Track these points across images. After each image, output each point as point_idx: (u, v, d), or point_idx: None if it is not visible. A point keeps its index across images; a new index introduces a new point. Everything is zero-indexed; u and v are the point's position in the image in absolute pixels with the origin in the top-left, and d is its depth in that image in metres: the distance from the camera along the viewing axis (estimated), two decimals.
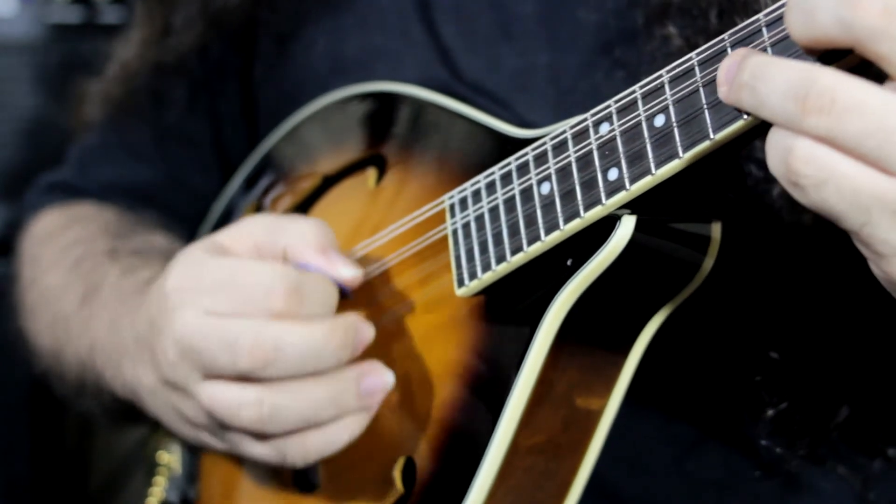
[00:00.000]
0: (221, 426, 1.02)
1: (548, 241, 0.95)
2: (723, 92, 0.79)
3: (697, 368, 1.15)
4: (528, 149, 0.97)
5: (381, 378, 1.02)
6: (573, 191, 0.93)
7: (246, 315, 0.97)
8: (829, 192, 0.73)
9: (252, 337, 0.96)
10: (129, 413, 1.16)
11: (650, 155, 0.87)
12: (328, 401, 0.99)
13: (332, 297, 1.01)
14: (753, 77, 0.75)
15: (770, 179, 1.06)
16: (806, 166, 0.73)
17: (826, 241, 1.05)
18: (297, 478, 1.13)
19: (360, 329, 1.01)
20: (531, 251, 0.96)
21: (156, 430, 1.30)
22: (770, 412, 1.11)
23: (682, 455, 1.17)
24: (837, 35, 0.70)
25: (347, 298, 1.03)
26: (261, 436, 1.01)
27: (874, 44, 0.69)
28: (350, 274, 1.02)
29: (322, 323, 0.98)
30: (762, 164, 1.06)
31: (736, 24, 1.00)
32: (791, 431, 1.12)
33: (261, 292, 0.97)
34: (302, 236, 1.02)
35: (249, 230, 1.04)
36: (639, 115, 0.88)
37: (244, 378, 0.98)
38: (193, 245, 1.05)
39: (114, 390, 1.17)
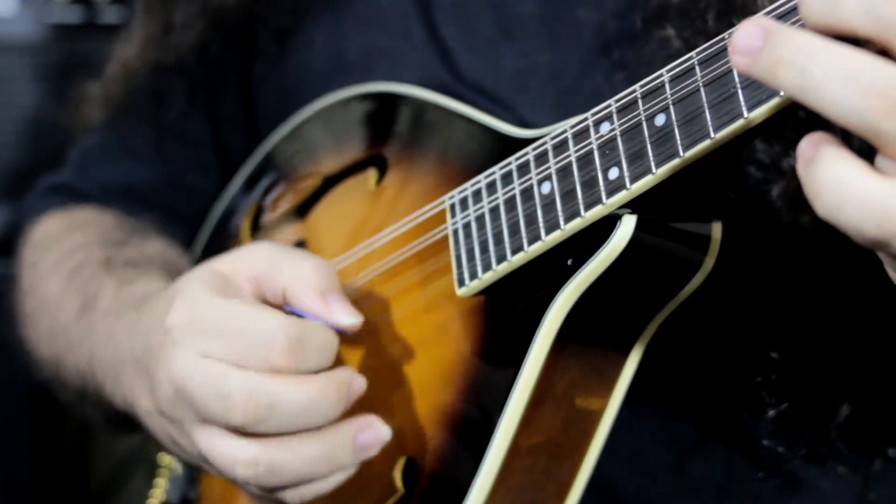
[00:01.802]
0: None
1: (548, 240, 0.95)
2: (740, 62, 0.73)
3: (698, 368, 1.15)
4: (528, 148, 0.97)
5: (376, 432, 1.00)
6: (574, 190, 0.93)
7: (245, 365, 0.95)
8: None
9: (247, 392, 0.94)
10: (131, 422, 1.16)
11: (651, 154, 0.87)
12: (323, 459, 0.98)
13: (332, 348, 0.99)
14: (805, 57, 0.70)
15: (769, 180, 1.06)
16: None
17: (826, 241, 1.05)
18: None
19: (354, 382, 0.99)
20: (532, 251, 0.96)
21: None
22: (771, 412, 1.11)
23: (683, 455, 1.17)
24: (861, 24, 0.68)
25: (346, 337, 1.02)
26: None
27: None
28: (349, 321, 1.00)
29: (318, 380, 0.96)
30: (762, 165, 1.07)
31: (733, 26, 1.00)
32: (792, 431, 1.12)
33: (262, 344, 0.95)
34: (303, 277, 1.00)
35: (251, 262, 1.02)
36: (639, 114, 0.88)
37: (239, 430, 0.97)
38: (196, 273, 1.03)
39: (114, 402, 1.16)
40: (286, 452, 0.96)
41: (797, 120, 0.97)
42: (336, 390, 0.97)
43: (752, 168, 1.06)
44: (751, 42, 0.72)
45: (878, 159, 0.71)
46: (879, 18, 0.68)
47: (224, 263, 1.03)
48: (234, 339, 0.96)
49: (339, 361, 1.10)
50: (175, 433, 1.03)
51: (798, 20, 0.76)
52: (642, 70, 1.08)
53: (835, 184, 0.69)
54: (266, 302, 1.02)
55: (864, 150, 0.72)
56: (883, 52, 0.70)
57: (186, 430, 1.00)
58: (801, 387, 1.11)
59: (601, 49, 1.14)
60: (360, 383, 1.00)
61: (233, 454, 0.96)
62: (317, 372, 0.97)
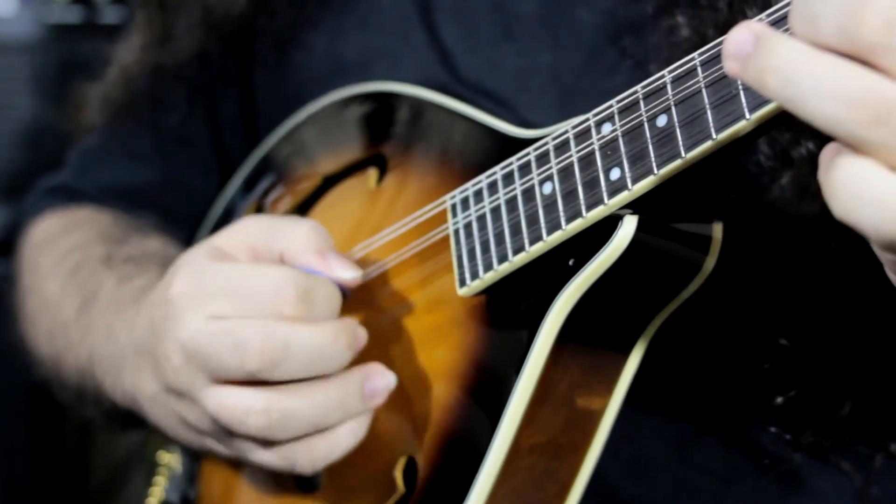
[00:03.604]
0: (227, 433, 1.02)
1: (550, 240, 0.95)
2: (731, 67, 0.73)
3: (703, 359, 1.16)
4: (529, 149, 0.98)
5: (384, 379, 1.02)
6: (575, 191, 0.93)
7: (255, 317, 0.97)
8: None
9: (261, 337, 0.96)
10: (131, 420, 1.16)
11: (652, 155, 0.87)
12: (335, 404, 0.99)
13: (337, 300, 1.01)
14: (791, 67, 0.70)
15: (779, 169, 1.06)
16: None
17: (836, 231, 1.05)
18: (299, 478, 1.13)
19: (359, 332, 1.01)
20: (533, 251, 0.96)
21: (156, 429, 1.30)
22: (779, 399, 1.11)
23: (683, 451, 1.17)
24: (839, 44, 0.69)
25: (346, 299, 1.03)
26: (267, 442, 1.01)
27: (875, 57, 0.68)
28: (350, 275, 1.02)
29: (330, 324, 0.98)
30: (771, 154, 1.06)
31: (747, 15, 1.00)
32: (799, 419, 1.13)
33: (271, 296, 0.97)
34: (299, 239, 1.02)
35: (246, 232, 1.04)
36: (641, 115, 0.88)
37: (251, 381, 0.98)
38: (193, 250, 1.05)
39: (114, 398, 1.17)
40: (299, 398, 0.98)
41: None
42: (346, 335, 0.99)
43: (762, 157, 1.06)
44: (741, 47, 0.72)
45: None
46: (853, 39, 0.68)
47: (220, 238, 1.04)
48: (242, 296, 0.97)
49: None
50: (183, 408, 1.04)
51: None
52: (650, 58, 1.08)
53: (851, 182, 0.69)
54: None
55: None
56: None
57: (195, 395, 1.01)
58: (809, 374, 1.12)
59: (609, 38, 1.14)
60: (363, 334, 1.02)
61: (246, 404, 0.97)
62: None
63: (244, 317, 0.97)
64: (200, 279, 1.00)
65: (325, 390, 0.99)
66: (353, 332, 1.00)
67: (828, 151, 0.72)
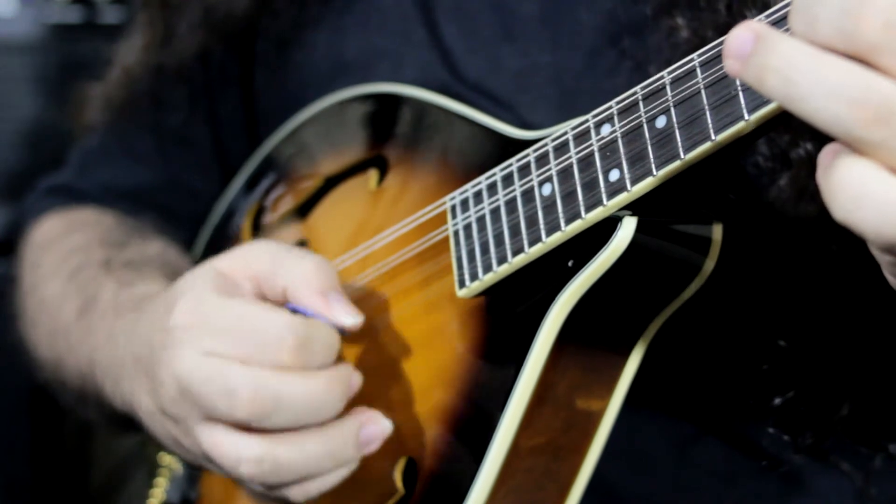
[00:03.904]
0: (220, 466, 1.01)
1: (549, 242, 0.95)
2: (732, 66, 0.73)
3: (701, 359, 1.16)
4: (529, 150, 0.98)
5: (379, 426, 1.01)
6: (574, 192, 0.93)
7: (251, 363, 0.96)
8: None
9: (252, 387, 0.94)
10: (132, 424, 1.16)
11: (651, 156, 0.87)
12: (328, 454, 0.98)
13: (336, 346, 0.99)
14: (791, 66, 0.70)
15: (778, 170, 1.06)
16: None
17: (830, 232, 1.05)
18: None
19: (353, 378, 1.00)
20: (532, 252, 0.96)
21: None
22: (777, 400, 1.11)
23: (684, 451, 1.17)
24: (839, 44, 0.69)
25: (348, 336, 1.02)
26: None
27: (875, 57, 0.68)
28: (350, 321, 1.00)
29: (323, 375, 0.97)
30: (770, 155, 1.06)
31: (746, 17, 0.99)
32: (797, 420, 1.13)
33: (271, 343, 0.95)
34: (303, 277, 1.00)
35: (250, 260, 1.02)
36: (640, 116, 0.88)
37: (243, 426, 0.97)
38: (196, 273, 1.02)
39: (113, 403, 1.16)
40: (291, 449, 0.96)
41: None
42: (340, 385, 0.97)
43: (760, 158, 1.06)
44: (742, 47, 0.72)
45: None
46: (852, 39, 0.68)
47: (224, 262, 1.03)
48: (242, 338, 0.96)
49: (340, 362, 1.10)
50: (177, 433, 1.03)
51: None
52: (650, 59, 1.08)
53: (851, 185, 0.69)
54: (266, 300, 1.02)
55: None
56: None
57: (190, 428, 1.00)
58: (807, 375, 1.12)
59: (609, 39, 1.14)
60: (357, 379, 1.01)
61: (237, 452, 0.96)
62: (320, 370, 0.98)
63: (241, 359, 0.95)
64: (202, 313, 0.98)
65: (318, 440, 0.97)
66: (347, 382, 0.98)
67: (826, 153, 0.71)
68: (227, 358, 0.96)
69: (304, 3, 1.33)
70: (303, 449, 0.97)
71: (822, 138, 0.71)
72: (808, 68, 0.69)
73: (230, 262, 1.03)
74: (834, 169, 0.70)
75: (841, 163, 0.70)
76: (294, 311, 0.99)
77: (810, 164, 1.04)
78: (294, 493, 1.00)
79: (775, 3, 0.99)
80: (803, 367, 1.12)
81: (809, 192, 1.04)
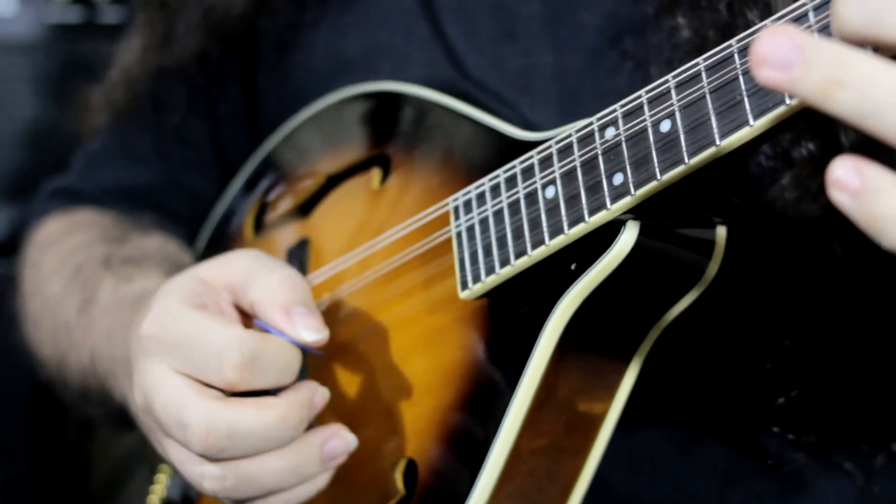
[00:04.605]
0: None
1: (552, 244, 0.95)
2: (771, 76, 0.67)
3: (704, 362, 1.16)
4: (533, 152, 0.98)
5: (343, 441, 1.00)
6: (578, 195, 0.93)
7: (201, 379, 0.95)
8: None
9: (205, 425, 0.93)
10: (131, 419, 1.16)
11: (655, 160, 0.87)
12: (291, 471, 0.97)
13: (293, 364, 0.98)
14: (867, 79, 0.64)
15: (779, 169, 1.06)
16: None
17: (833, 232, 1.05)
18: None
19: (315, 397, 0.98)
20: (535, 255, 0.96)
21: None
22: (781, 399, 1.11)
23: (686, 452, 1.18)
24: None
25: (314, 353, 1.01)
26: None
27: None
28: (312, 338, 0.98)
29: (278, 405, 0.95)
30: (772, 155, 1.06)
31: (746, 17, 0.99)
32: (801, 419, 1.13)
33: (215, 358, 0.94)
34: (269, 292, 0.99)
35: (230, 269, 1.01)
36: (645, 119, 0.88)
37: None
38: (175, 283, 1.01)
39: (114, 398, 1.17)
40: (253, 466, 0.96)
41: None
42: (297, 412, 0.96)
43: (762, 158, 1.06)
44: (783, 55, 0.66)
45: None
46: None
47: (205, 270, 1.02)
48: (191, 352, 0.95)
49: (340, 363, 1.10)
50: (152, 439, 1.04)
51: (818, 24, 0.74)
52: (651, 59, 1.08)
53: None
54: (242, 312, 1.01)
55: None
56: None
57: (158, 440, 1.01)
58: (810, 375, 1.12)
59: (610, 39, 1.14)
60: (322, 396, 0.99)
61: (201, 468, 0.96)
62: (278, 389, 0.97)
63: (193, 377, 0.95)
64: (165, 324, 0.97)
65: (281, 456, 0.96)
66: (306, 405, 0.97)
67: (848, 175, 0.66)
68: (182, 375, 0.95)
69: (304, 1, 1.33)
70: (265, 466, 0.96)
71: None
72: (884, 81, 0.64)
73: (211, 270, 1.02)
74: (875, 196, 0.65)
75: (882, 189, 0.65)
76: (261, 327, 0.99)
77: (812, 164, 1.04)
78: None
79: (776, 3, 0.99)
80: (807, 367, 1.12)
81: (812, 192, 1.05)
